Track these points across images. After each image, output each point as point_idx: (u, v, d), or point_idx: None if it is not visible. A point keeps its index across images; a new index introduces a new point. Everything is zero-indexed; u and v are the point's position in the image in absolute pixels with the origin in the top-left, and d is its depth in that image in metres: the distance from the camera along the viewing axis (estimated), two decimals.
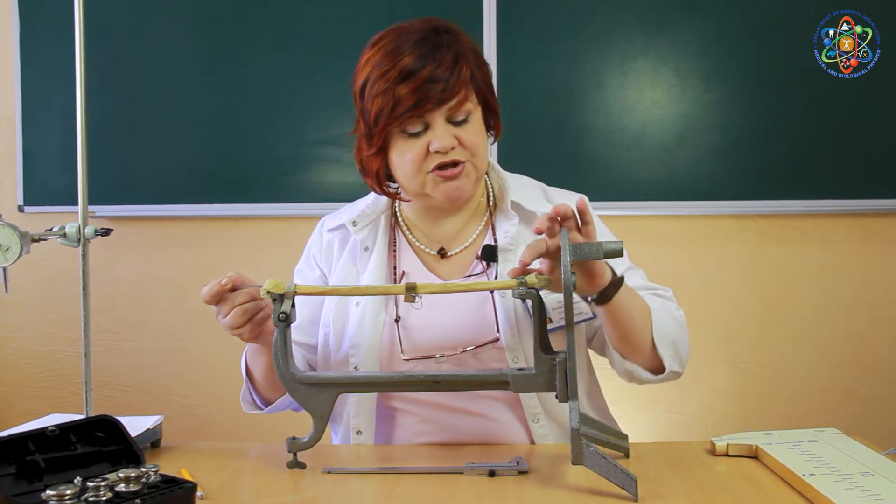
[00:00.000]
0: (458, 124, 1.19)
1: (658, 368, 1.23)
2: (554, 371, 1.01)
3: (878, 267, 2.53)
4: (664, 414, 2.57)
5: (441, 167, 1.19)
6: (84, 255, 1.33)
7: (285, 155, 2.56)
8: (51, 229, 1.31)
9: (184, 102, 2.60)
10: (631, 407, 2.51)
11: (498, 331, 1.23)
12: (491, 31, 2.47)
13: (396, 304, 1.27)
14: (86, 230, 1.32)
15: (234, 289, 1.11)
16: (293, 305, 1.07)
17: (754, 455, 1.09)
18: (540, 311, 1.03)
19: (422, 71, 1.15)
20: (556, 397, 1.00)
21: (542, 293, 1.04)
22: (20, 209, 2.64)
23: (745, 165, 2.46)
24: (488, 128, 1.28)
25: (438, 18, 1.23)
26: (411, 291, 1.04)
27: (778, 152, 2.45)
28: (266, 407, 1.30)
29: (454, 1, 2.49)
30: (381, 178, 1.27)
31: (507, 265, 1.24)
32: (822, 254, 2.53)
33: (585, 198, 1.07)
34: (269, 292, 1.05)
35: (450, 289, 1.07)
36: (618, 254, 1.01)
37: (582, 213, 1.05)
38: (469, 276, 1.28)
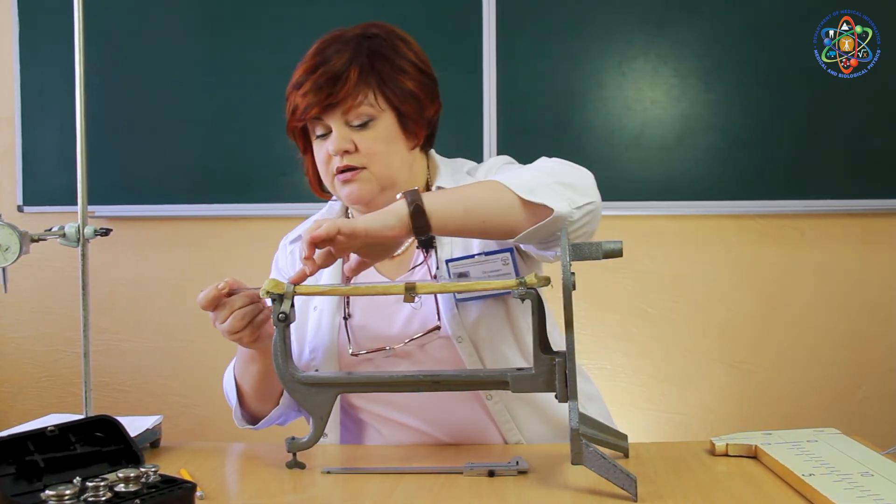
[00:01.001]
0: (357, 128, 1.20)
1: (543, 214, 1.05)
2: (553, 371, 1.01)
3: (877, 267, 2.53)
4: (663, 414, 2.57)
5: (339, 171, 1.22)
6: (83, 256, 1.33)
7: (284, 155, 2.52)
8: (50, 229, 1.31)
9: (183, 103, 2.60)
10: (630, 407, 2.51)
11: (439, 318, 1.23)
12: (490, 31, 2.47)
13: (347, 304, 1.28)
14: (85, 230, 1.32)
15: (230, 293, 1.11)
16: (292, 305, 1.07)
17: (754, 455, 1.09)
18: (539, 312, 1.03)
19: (310, 77, 1.20)
20: (556, 397, 1.00)
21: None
22: (20, 209, 2.64)
23: (744, 165, 2.46)
24: (409, 134, 1.25)
25: (376, 24, 1.26)
26: (410, 291, 1.04)
27: (777, 152, 2.45)
28: (255, 424, 1.31)
29: (454, 1, 2.49)
30: (311, 179, 1.33)
31: (444, 248, 1.26)
32: (820, 254, 2.53)
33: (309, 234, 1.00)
34: (268, 292, 1.05)
35: (448, 289, 1.07)
36: (617, 254, 1.01)
37: (322, 240, 1.00)
38: (413, 267, 1.29)
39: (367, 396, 1.28)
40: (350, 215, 1.36)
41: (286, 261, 1.40)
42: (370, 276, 1.30)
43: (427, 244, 1.27)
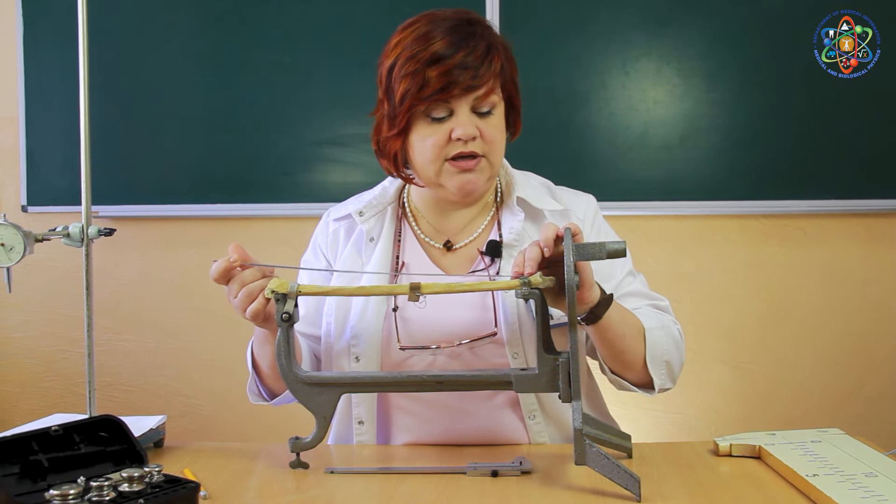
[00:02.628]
0: (482, 115, 1.19)
1: (647, 384, 1.24)
2: (556, 371, 1.01)
3: (880, 267, 2.53)
4: (666, 414, 2.57)
5: (459, 157, 1.19)
6: (87, 255, 1.33)
7: (287, 155, 2.56)
8: (54, 229, 1.32)
9: (186, 103, 2.60)
10: (633, 407, 2.51)
11: (496, 326, 1.22)
12: None
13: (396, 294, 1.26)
14: (89, 230, 1.32)
15: (243, 267, 1.09)
16: (296, 305, 1.06)
17: (757, 455, 1.09)
18: (543, 311, 1.03)
19: (453, 56, 1.15)
20: (559, 397, 1.00)
21: None
22: (24, 209, 2.64)
23: (747, 165, 2.46)
24: (509, 125, 1.27)
25: (471, 11, 1.24)
26: (415, 291, 1.04)
27: (780, 152, 2.45)
28: (272, 399, 1.30)
29: (457, 1, 2.49)
30: (399, 162, 1.26)
31: (511, 261, 1.24)
32: (824, 254, 2.53)
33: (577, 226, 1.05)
34: (273, 291, 1.05)
35: (454, 289, 1.06)
36: (621, 254, 1.01)
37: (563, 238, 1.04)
38: (474, 271, 1.27)
39: (409, 395, 1.26)
40: (406, 197, 1.34)
41: (325, 239, 1.36)
42: (426, 266, 1.28)
43: (494, 253, 1.26)
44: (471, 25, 1.19)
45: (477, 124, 1.18)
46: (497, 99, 1.20)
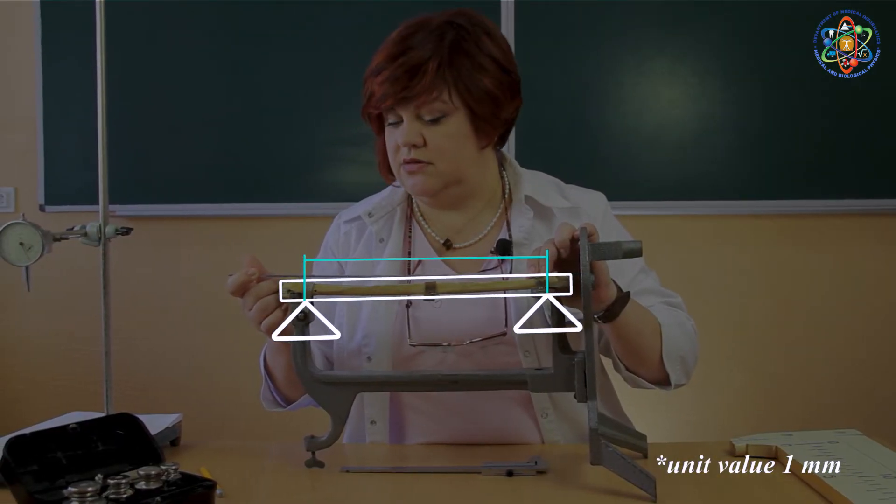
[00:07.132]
0: (429, 123, 1.19)
1: (663, 380, 1.23)
2: (572, 371, 1.01)
3: (895, 266, 2.51)
4: (681, 414, 2.56)
5: (406, 161, 1.21)
6: (104, 254, 1.34)
7: (301, 154, 2.57)
8: (72, 228, 1.33)
9: (202, 103, 2.62)
10: (648, 408, 2.49)
11: (506, 325, 1.22)
12: (508, 30, 2.47)
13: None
14: (106, 229, 1.33)
15: (260, 279, 1.09)
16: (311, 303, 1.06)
17: (774, 456, 1.09)
18: (557, 311, 1.03)
19: (388, 67, 1.17)
20: (575, 397, 1.00)
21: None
22: (41, 209, 2.67)
23: (761, 165, 2.45)
24: (481, 134, 1.22)
25: (464, 12, 1.23)
26: (431, 291, 1.04)
27: (795, 152, 2.44)
28: (287, 405, 1.30)
29: (471, 1, 2.49)
30: (385, 162, 1.29)
31: (522, 259, 1.25)
32: (838, 254, 2.52)
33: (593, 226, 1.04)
34: (289, 291, 1.05)
35: (469, 288, 1.06)
36: (637, 253, 1.00)
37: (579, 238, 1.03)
38: (484, 270, 1.27)
39: (417, 394, 1.26)
40: (414, 202, 1.34)
41: (337, 241, 1.37)
42: (437, 265, 1.27)
43: (505, 252, 1.26)
44: (430, 32, 1.19)
45: (423, 132, 1.19)
46: (446, 107, 1.18)
